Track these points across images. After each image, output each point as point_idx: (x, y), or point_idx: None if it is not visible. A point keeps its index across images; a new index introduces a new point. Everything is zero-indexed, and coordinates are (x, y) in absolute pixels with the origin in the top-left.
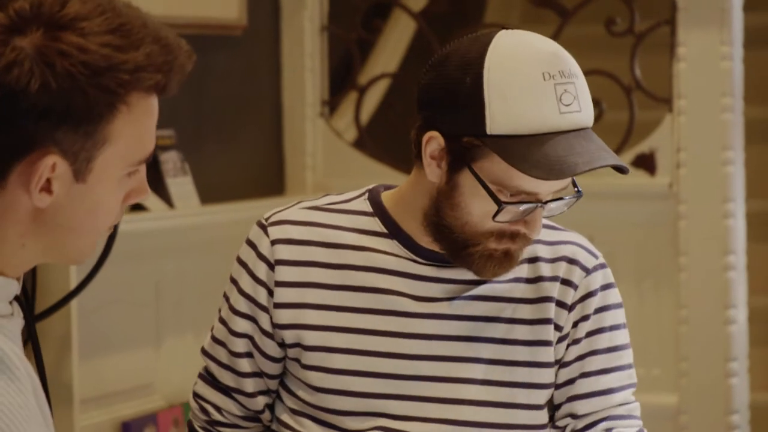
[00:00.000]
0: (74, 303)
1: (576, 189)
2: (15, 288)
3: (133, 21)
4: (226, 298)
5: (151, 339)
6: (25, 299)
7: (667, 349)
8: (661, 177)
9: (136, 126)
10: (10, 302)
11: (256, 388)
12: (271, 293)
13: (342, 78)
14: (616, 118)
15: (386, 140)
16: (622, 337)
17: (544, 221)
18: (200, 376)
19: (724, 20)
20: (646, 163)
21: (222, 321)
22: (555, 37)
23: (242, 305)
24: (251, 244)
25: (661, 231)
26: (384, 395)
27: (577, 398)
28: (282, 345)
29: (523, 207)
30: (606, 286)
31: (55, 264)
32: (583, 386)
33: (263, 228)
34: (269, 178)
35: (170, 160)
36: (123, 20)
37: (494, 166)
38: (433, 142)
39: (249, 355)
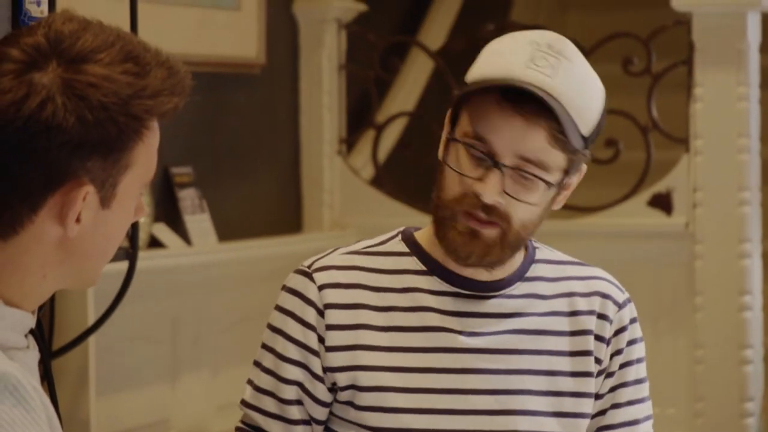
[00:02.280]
0: (92, 339)
1: (547, 182)
2: (31, 321)
3: (137, 47)
4: (269, 348)
5: (168, 375)
6: (42, 336)
7: (682, 388)
8: (678, 217)
9: (151, 148)
10: (26, 336)
11: None
12: (321, 338)
13: (360, 116)
14: (633, 157)
15: (403, 178)
16: (644, 369)
17: (570, 258)
18: (240, 429)
19: (741, 61)
20: (663, 202)
21: (267, 371)
22: None
23: (293, 352)
24: (294, 291)
25: (677, 270)
26: (442, 431)
27: (606, 428)
28: (331, 389)
29: (475, 155)
30: (633, 320)
31: (73, 301)
32: (614, 417)
33: (307, 275)
34: (287, 216)
35: (188, 197)
36: (131, 48)
37: (463, 116)
38: (447, 117)
39: (299, 402)
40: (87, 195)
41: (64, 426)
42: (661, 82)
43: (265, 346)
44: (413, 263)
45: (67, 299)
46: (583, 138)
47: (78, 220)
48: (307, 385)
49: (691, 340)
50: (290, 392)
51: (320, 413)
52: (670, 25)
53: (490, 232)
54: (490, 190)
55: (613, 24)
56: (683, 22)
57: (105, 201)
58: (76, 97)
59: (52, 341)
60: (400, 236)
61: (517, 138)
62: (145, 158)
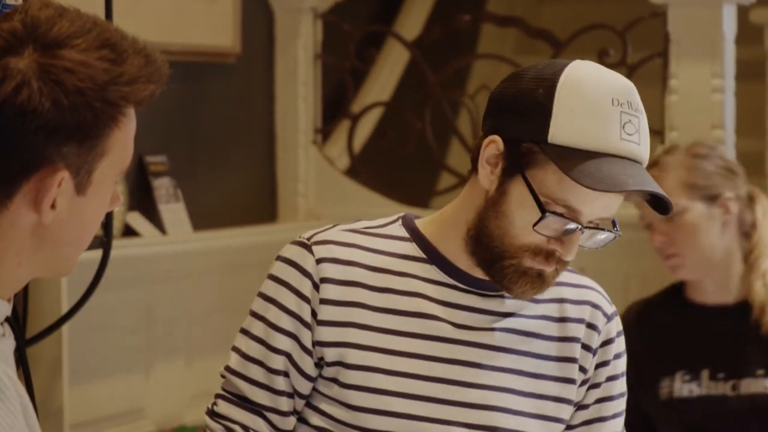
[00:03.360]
0: (65, 328)
1: (615, 229)
2: (6, 309)
3: (114, 35)
4: (260, 317)
5: (142, 364)
6: (17, 324)
7: None
8: None
9: (127, 136)
10: (2, 323)
11: (290, 407)
12: (314, 311)
13: (335, 106)
14: None
15: (378, 168)
16: (625, 383)
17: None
18: (221, 396)
19: (716, 53)
20: None
21: (257, 339)
22: None
23: (286, 322)
24: (291, 262)
25: (651, 262)
26: (425, 418)
27: None
28: (318, 364)
29: (563, 223)
30: (620, 333)
31: (47, 289)
32: (599, 430)
33: (306, 247)
34: (261, 206)
35: (163, 186)
36: (108, 35)
37: (547, 176)
38: (492, 146)
39: (286, 374)
40: (62, 181)
41: (37, 414)
42: (636, 73)
43: (255, 314)
44: (412, 249)
45: (40, 287)
46: None
47: (53, 206)
48: (296, 357)
49: None
50: (279, 362)
51: (304, 387)
52: (646, 17)
53: (550, 269)
54: (573, 251)
55: (589, 15)
56: (659, 13)
57: (80, 187)
58: (52, 81)
59: (25, 329)
60: (400, 221)
61: (605, 207)
62: (121, 145)
